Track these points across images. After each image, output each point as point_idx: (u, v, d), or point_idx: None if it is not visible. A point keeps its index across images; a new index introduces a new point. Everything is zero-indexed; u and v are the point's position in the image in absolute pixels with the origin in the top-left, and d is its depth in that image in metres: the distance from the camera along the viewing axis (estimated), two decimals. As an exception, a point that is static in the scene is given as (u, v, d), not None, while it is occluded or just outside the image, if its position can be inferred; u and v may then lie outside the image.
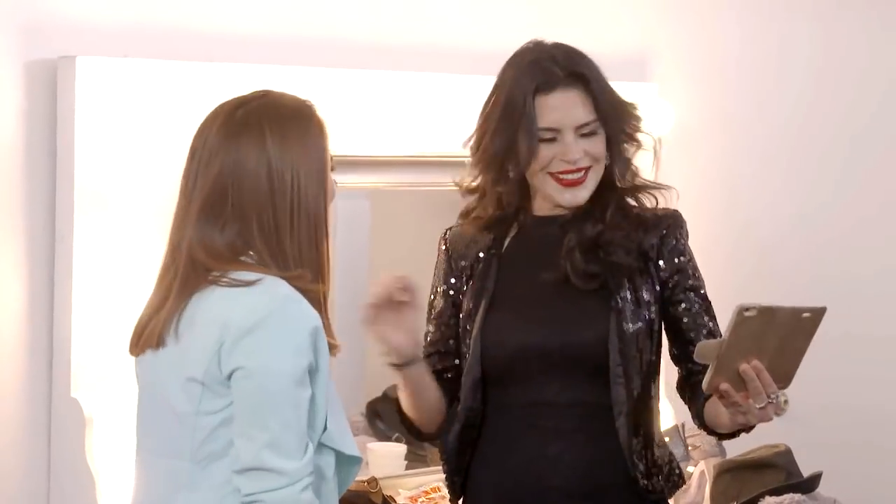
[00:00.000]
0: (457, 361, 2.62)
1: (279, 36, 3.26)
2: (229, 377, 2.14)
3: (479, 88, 3.01)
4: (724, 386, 2.34)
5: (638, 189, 2.63)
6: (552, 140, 2.54)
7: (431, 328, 2.65)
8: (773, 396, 2.39)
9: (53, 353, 2.95)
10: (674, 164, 3.85)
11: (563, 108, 2.55)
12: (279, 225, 2.18)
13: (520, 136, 2.53)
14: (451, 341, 2.63)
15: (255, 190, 2.17)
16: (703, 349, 2.38)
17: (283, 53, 3.23)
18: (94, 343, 2.89)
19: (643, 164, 3.15)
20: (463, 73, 3.38)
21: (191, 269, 2.18)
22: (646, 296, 2.57)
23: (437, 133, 3.37)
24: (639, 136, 2.63)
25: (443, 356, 2.63)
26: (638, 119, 2.63)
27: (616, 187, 2.61)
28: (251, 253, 2.18)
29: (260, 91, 2.27)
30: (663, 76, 3.92)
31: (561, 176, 2.54)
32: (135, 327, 2.25)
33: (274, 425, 2.12)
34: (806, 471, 3.41)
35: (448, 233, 2.67)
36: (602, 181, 2.59)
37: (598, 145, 2.57)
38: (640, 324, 2.55)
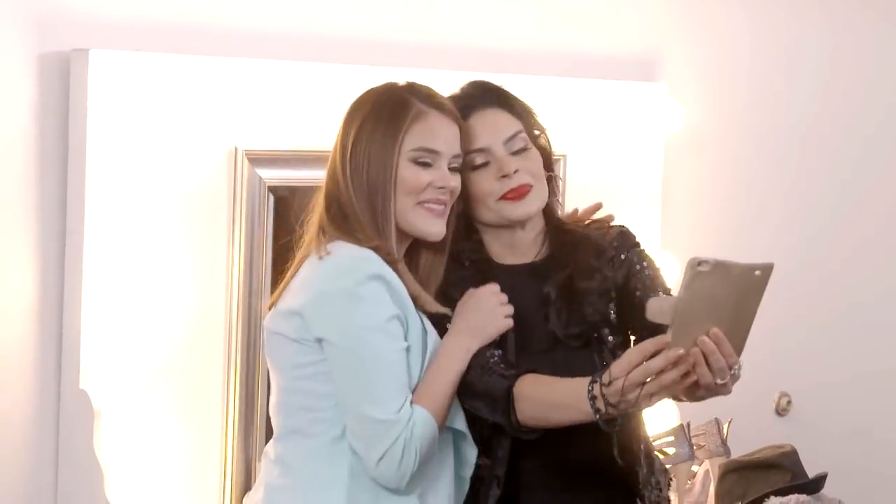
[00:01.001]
0: None
1: (289, 31, 3.24)
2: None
3: None
4: (688, 358, 2.27)
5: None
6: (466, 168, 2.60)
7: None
8: (734, 369, 2.35)
9: (63, 344, 2.93)
10: (682, 166, 3.88)
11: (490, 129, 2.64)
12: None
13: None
14: None
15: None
16: (657, 306, 2.34)
17: (293, 49, 3.22)
18: (103, 335, 2.87)
19: (651, 166, 3.39)
20: (470, 71, 3.25)
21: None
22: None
23: None
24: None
25: None
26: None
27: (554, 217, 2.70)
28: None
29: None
30: (672, 76, 3.89)
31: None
32: None
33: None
34: (811, 471, 3.41)
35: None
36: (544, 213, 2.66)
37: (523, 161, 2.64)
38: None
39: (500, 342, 2.57)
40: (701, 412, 3.37)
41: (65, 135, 2.90)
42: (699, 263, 2.23)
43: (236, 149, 2.98)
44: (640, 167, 3.68)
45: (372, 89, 2.60)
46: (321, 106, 3.05)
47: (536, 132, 2.68)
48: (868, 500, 3.78)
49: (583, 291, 2.61)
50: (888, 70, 4.35)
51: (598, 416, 2.36)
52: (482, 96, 2.64)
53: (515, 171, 2.58)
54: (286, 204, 2.98)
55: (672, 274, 3.02)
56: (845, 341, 4.30)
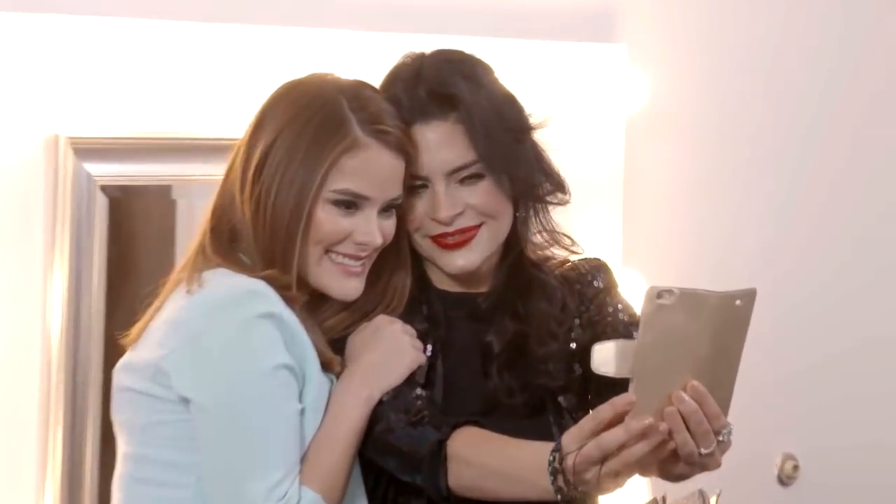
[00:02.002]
0: None
1: None
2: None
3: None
4: (661, 427, 2.00)
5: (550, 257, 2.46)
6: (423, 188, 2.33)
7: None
8: (723, 434, 2.09)
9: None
10: (645, 145, 3.64)
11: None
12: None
13: None
14: None
15: None
16: (604, 352, 2.07)
17: (136, 4, 2.94)
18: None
19: (612, 146, 3.35)
20: (378, 31, 3.14)
21: None
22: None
23: None
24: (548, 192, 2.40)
25: None
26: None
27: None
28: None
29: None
30: (634, 36, 3.61)
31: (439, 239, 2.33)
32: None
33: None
34: None
35: None
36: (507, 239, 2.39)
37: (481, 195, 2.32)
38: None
39: (426, 383, 2.34)
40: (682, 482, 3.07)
41: None
42: (660, 294, 1.98)
43: (57, 136, 2.75)
44: (597, 151, 3.48)
45: (303, 85, 2.30)
46: (175, 80, 2.84)
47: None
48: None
49: (537, 357, 2.37)
50: (884, 37, 4.05)
51: (559, 497, 2.09)
52: (434, 100, 2.28)
53: (458, 215, 2.29)
54: (121, 208, 2.81)
55: (637, 296, 2.71)
56: (861, 396, 4.05)
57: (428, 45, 2.47)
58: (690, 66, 3.75)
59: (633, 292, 2.96)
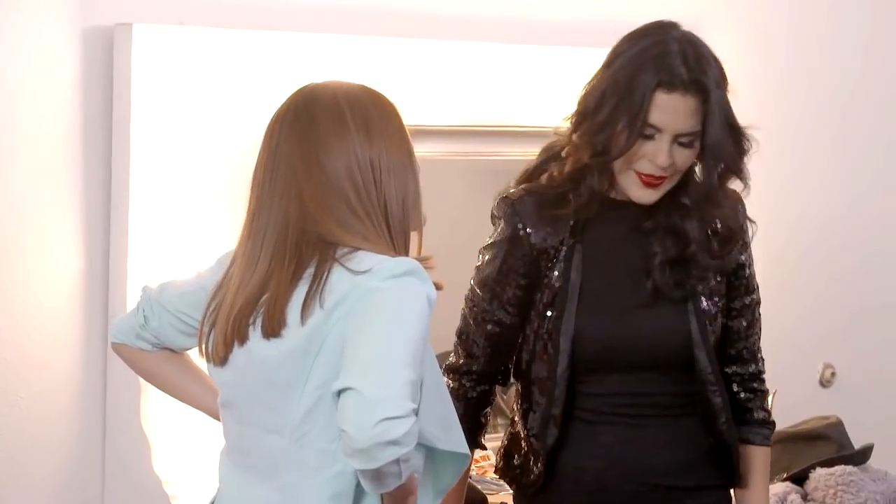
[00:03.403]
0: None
1: (334, 4, 3.25)
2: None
3: (519, 58, 3.27)
4: None
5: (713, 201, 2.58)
6: (649, 137, 2.48)
7: (500, 314, 2.59)
8: None
9: (108, 321, 2.96)
10: None
11: (673, 113, 2.48)
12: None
13: (624, 127, 2.48)
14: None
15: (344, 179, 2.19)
16: None
17: (335, 22, 3.22)
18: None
19: None
20: (503, 42, 3.38)
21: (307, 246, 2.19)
22: (718, 300, 2.61)
23: (482, 103, 3.35)
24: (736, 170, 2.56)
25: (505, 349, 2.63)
26: (742, 151, 2.56)
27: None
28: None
29: (320, 83, 2.27)
30: (715, 45, 3.77)
31: (643, 176, 2.50)
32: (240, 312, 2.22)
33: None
34: (857, 443, 3.41)
35: (515, 204, 2.59)
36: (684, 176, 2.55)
37: (688, 158, 2.52)
38: (717, 323, 2.61)
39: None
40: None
41: (109, 108, 2.95)
42: None
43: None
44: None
45: None
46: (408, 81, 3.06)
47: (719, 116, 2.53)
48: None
49: (695, 261, 2.58)
50: None
51: None
52: (690, 85, 2.48)
53: (668, 166, 2.50)
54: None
55: None
56: (887, 312, 4.30)
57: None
58: (755, 68, 3.91)
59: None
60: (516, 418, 2.66)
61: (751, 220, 2.64)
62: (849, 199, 4.24)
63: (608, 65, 2.53)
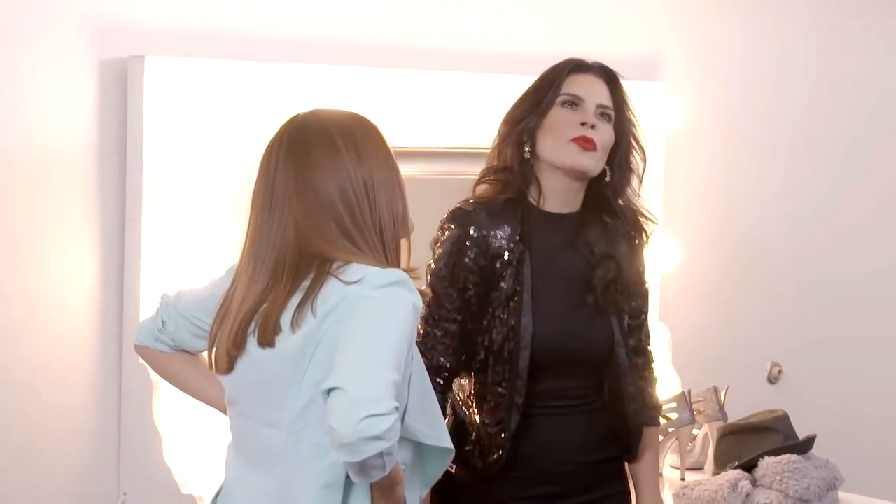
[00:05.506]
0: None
1: (329, 38, 3.26)
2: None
3: (498, 87, 3.30)
4: None
5: (627, 208, 2.74)
6: (573, 106, 2.65)
7: (459, 316, 2.67)
8: None
9: (123, 326, 3.02)
10: (682, 157, 3.92)
11: (588, 85, 2.68)
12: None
13: (543, 97, 2.65)
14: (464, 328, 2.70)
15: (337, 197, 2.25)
16: None
17: (330, 55, 3.26)
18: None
19: (653, 157, 3.35)
20: (483, 73, 3.44)
21: (304, 264, 2.25)
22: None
23: (457, 127, 3.40)
24: (638, 163, 2.72)
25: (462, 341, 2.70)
26: (641, 141, 2.75)
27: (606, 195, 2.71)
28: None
29: (309, 112, 2.33)
30: (672, 76, 3.90)
31: (579, 140, 2.62)
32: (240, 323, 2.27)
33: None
34: (801, 434, 3.45)
35: (470, 214, 2.67)
36: (599, 194, 2.70)
37: (608, 134, 2.67)
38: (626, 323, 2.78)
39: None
40: (700, 381, 3.57)
41: (123, 134, 2.99)
42: None
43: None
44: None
45: None
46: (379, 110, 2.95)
47: (628, 120, 2.72)
48: (854, 458, 3.75)
49: (622, 286, 2.75)
50: (872, 73, 4.35)
51: None
52: (598, 68, 2.72)
53: (593, 127, 2.62)
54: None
55: (673, 254, 3.37)
56: (830, 315, 4.34)
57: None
58: (713, 98, 4.06)
59: (670, 255, 3.63)
60: (469, 409, 2.72)
61: (654, 221, 2.79)
62: (795, 217, 4.29)
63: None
